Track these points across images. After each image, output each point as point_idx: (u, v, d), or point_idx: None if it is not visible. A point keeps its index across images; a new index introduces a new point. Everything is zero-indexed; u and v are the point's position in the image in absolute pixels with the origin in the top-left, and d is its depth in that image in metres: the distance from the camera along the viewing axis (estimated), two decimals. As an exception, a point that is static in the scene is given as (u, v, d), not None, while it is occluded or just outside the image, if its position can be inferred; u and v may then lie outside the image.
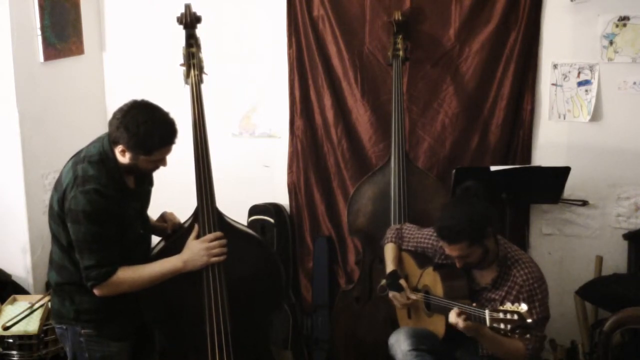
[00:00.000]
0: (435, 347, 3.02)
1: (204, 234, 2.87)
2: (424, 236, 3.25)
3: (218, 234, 2.86)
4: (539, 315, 2.84)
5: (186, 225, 2.98)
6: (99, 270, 2.65)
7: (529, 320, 2.52)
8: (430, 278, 3.09)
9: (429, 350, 3.00)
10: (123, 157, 2.69)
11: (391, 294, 3.22)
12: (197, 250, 2.81)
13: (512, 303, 2.82)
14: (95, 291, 2.69)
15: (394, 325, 3.38)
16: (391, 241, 3.37)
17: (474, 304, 2.75)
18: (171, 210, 3.07)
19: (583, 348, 3.77)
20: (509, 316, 2.55)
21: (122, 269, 2.70)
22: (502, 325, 2.56)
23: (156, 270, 2.77)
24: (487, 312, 2.62)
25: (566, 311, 3.93)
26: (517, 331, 2.54)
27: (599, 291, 3.71)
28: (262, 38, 4.17)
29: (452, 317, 2.75)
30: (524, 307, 2.55)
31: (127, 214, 2.74)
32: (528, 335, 2.58)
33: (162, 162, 2.77)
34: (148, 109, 2.68)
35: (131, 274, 2.72)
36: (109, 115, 2.74)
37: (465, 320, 2.71)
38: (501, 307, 2.60)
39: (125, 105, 2.69)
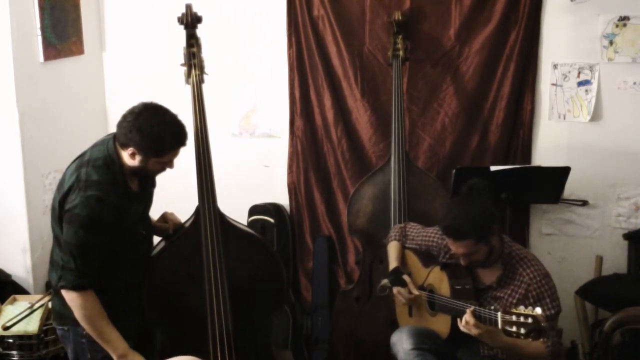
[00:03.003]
0: (437, 346, 3.01)
1: (206, 235, 2.87)
2: (428, 234, 3.25)
3: None
4: (551, 311, 2.83)
5: (187, 224, 2.98)
6: (76, 277, 2.64)
7: (544, 324, 2.49)
8: (437, 277, 3.08)
9: (430, 350, 2.99)
10: (132, 160, 2.69)
11: (395, 289, 3.20)
12: None
13: (519, 302, 2.83)
14: (62, 292, 2.68)
15: (394, 325, 3.37)
16: (395, 239, 3.37)
17: (489, 307, 2.71)
18: (172, 210, 3.07)
19: (583, 348, 3.77)
20: (522, 319, 2.51)
21: (94, 296, 2.66)
22: (514, 328, 2.52)
23: (107, 335, 2.69)
24: (499, 314, 2.59)
25: (566, 311, 3.90)
26: (532, 334, 2.50)
27: (599, 291, 3.71)
28: (262, 38, 4.17)
29: (468, 316, 2.71)
30: (538, 311, 2.52)
31: (129, 217, 2.74)
32: (542, 339, 2.55)
33: (170, 164, 2.78)
34: (160, 111, 2.70)
35: (96, 308, 2.67)
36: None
37: (476, 322, 2.68)
38: (515, 310, 2.56)
39: (136, 107, 2.70)
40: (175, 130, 2.70)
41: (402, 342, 3.05)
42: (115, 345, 2.72)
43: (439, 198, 3.66)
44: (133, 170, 2.73)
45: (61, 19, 3.87)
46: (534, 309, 2.54)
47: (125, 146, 2.68)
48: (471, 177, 3.11)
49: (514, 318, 2.54)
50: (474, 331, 2.70)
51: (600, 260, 3.93)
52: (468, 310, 2.73)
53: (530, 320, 2.50)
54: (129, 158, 2.69)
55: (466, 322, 2.71)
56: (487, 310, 2.69)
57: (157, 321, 2.91)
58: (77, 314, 2.68)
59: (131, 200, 2.76)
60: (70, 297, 2.67)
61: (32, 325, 3.34)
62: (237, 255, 2.93)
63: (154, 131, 2.64)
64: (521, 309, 2.56)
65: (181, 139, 2.72)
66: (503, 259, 2.93)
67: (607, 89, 3.83)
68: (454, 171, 3.61)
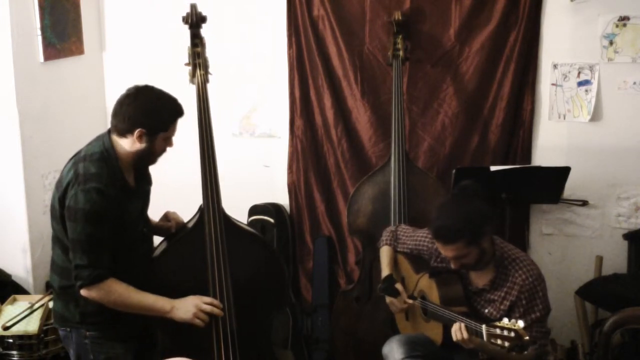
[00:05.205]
0: (430, 351, 2.99)
1: (210, 234, 2.87)
2: (419, 238, 3.20)
3: (218, 303, 2.83)
4: (542, 312, 2.82)
5: (191, 224, 2.98)
6: (91, 271, 2.62)
7: (526, 338, 2.47)
8: (426, 284, 3.05)
9: (423, 356, 2.98)
10: (139, 143, 2.68)
11: (388, 299, 3.18)
12: (189, 304, 2.77)
13: (512, 304, 2.81)
14: (83, 292, 2.66)
15: (394, 325, 3.37)
16: (386, 244, 3.33)
17: (482, 311, 2.71)
18: (174, 210, 3.07)
19: (583, 348, 3.77)
20: (505, 333, 2.50)
21: (116, 281, 2.67)
22: (499, 341, 2.52)
23: (147, 301, 2.73)
24: (484, 327, 2.58)
25: (566, 311, 3.93)
26: (515, 350, 2.49)
27: (599, 291, 3.72)
28: (262, 38, 4.17)
29: (457, 333, 2.71)
30: (520, 324, 2.49)
31: (128, 213, 2.73)
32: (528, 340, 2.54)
33: (170, 140, 2.79)
34: (153, 89, 2.76)
35: (122, 289, 2.68)
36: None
37: (468, 333, 2.68)
38: (498, 324, 2.54)
39: (130, 90, 2.74)
40: (172, 102, 2.76)
41: (393, 353, 3.05)
42: (159, 307, 2.74)
43: (438, 198, 3.64)
44: (136, 157, 2.72)
45: (61, 19, 3.88)
46: (517, 322, 2.51)
47: (128, 132, 2.68)
48: (471, 177, 3.11)
49: (497, 331, 2.53)
50: (468, 345, 2.70)
51: (600, 260, 3.93)
52: (462, 325, 2.71)
53: (512, 334, 2.48)
54: (136, 142, 2.68)
55: (461, 338, 2.70)
56: (473, 323, 2.66)
57: (159, 321, 2.90)
58: (108, 304, 2.68)
59: (129, 195, 2.75)
60: (94, 294, 2.65)
61: (32, 325, 3.33)
62: (239, 254, 2.92)
63: (156, 106, 2.70)
64: (504, 322, 2.53)
65: (180, 109, 2.78)
66: (495, 261, 2.88)
67: (607, 89, 3.84)
68: (454, 171, 3.61)
